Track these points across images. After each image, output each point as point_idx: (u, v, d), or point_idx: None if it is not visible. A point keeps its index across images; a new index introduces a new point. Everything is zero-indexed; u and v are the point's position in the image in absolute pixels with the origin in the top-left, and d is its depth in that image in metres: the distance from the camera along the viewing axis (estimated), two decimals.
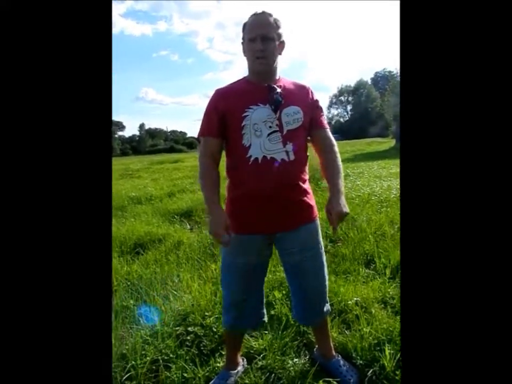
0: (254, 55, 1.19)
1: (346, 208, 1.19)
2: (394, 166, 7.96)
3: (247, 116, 1.19)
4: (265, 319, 1.44)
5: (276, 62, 1.24)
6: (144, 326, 1.74)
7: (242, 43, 1.28)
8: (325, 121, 1.32)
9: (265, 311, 1.44)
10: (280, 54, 1.25)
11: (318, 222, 1.35)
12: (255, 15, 1.22)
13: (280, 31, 1.23)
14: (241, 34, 1.27)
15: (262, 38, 1.17)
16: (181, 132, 72.13)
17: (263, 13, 1.21)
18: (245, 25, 1.24)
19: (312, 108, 1.28)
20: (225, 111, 1.22)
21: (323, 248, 1.36)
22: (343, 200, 1.20)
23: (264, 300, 1.45)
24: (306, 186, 1.29)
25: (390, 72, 46.07)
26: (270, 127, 1.19)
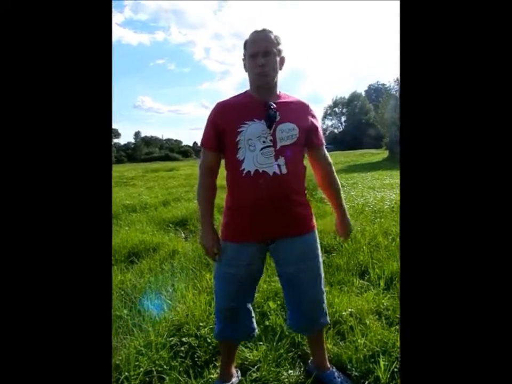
0: (255, 70, 1.22)
1: (351, 226, 1.47)
2: (387, 177, 8.04)
3: (242, 131, 1.22)
4: (255, 333, 1.42)
5: (276, 77, 1.26)
6: (137, 336, 1.72)
7: (243, 59, 1.30)
8: (321, 138, 1.34)
9: (255, 324, 1.42)
10: (280, 69, 1.28)
11: (316, 233, 1.35)
12: (256, 32, 1.25)
13: (280, 47, 1.26)
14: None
15: (263, 53, 1.21)
16: (176, 140, 72.22)
17: (264, 30, 1.24)
18: (246, 42, 1.27)
19: (310, 126, 1.30)
20: (223, 126, 1.25)
21: (321, 260, 1.35)
22: (348, 219, 1.44)
23: (255, 313, 1.44)
24: (303, 198, 1.30)
25: (383, 85, 46.82)
26: (264, 141, 1.21)
